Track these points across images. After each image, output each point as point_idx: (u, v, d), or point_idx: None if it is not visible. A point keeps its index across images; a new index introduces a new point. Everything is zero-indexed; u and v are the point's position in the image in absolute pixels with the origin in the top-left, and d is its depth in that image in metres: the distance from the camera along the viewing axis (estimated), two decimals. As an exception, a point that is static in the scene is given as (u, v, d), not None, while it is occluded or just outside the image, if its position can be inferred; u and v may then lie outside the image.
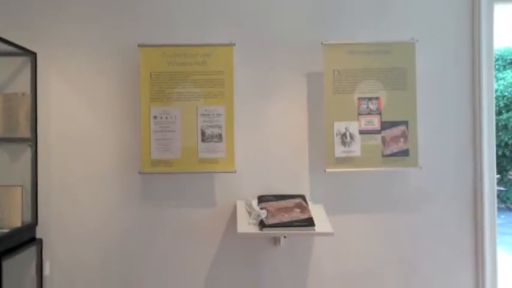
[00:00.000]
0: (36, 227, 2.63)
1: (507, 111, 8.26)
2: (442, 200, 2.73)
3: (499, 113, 8.09)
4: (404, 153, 2.58)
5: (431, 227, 2.73)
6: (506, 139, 8.19)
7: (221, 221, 2.72)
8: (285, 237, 2.55)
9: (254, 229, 2.42)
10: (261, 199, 2.64)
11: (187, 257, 2.73)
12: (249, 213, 2.54)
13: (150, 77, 2.58)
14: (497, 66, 8.47)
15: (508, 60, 9.06)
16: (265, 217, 2.44)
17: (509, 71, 8.88)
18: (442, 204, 2.73)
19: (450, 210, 2.73)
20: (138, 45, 2.58)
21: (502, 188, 8.06)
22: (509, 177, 8.45)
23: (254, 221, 2.46)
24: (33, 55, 2.61)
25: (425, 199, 2.72)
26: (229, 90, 2.59)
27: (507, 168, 8.41)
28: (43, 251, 2.64)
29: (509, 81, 8.45)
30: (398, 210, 2.72)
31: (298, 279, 2.72)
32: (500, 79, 8.48)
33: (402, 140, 2.58)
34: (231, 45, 2.59)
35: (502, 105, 8.11)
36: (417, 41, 2.58)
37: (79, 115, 2.69)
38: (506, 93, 8.34)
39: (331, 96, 2.57)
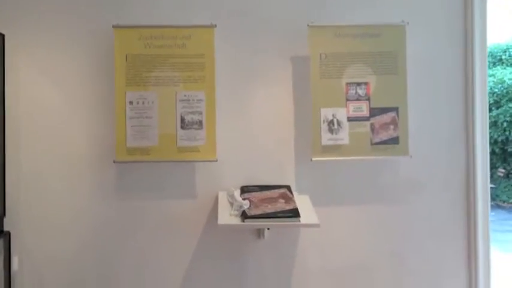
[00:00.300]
0: (3, 219, 2.46)
1: (497, 108, 8.22)
2: (434, 191, 2.61)
3: (488, 110, 8.03)
4: (394, 141, 2.46)
5: (422, 218, 2.61)
6: (495, 136, 8.15)
7: (202, 213, 2.58)
8: (268, 229, 2.41)
9: (236, 221, 2.28)
10: (244, 190, 2.50)
11: (166, 251, 2.58)
12: (231, 204, 2.40)
13: (126, 60, 2.43)
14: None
15: (498, 57, 9.04)
16: (248, 208, 2.31)
17: (499, 67, 8.85)
18: (434, 195, 2.61)
19: (442, 202, 2.62)
20: (113, 27, 2.43)
21: (491, 185, 8.00)
22: (499, 174, 8.42)
23: (236, 212, 2.32)
24: (0, 36, 2.44)
25: (415, 189, 2.60)
26: (210, 75, 2.45)
27: (497, 165, 8.38)
28: (11, 244, 2.46)
29: (499, 77, 8.42)
30: (388, 201, 2.60)
31: (283, 273, 2.58)
32: (490, 76, 8.43)
33: (392, 127, 2.46)
34: (212, 26, 2.45)
35: (491, 102, 8.06)
36: (408, 23, 2.46)
37: (50, 100, 2.53)
38: (496, 90, 8.30)
39: (318, 81, 2.44)
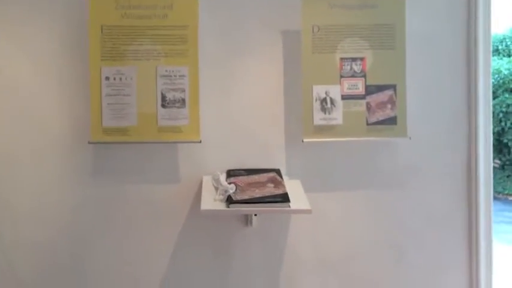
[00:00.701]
0: (-32, 204, 2.27)
1: (494, 98, 8.07)
2: (433, 176, 2.44)
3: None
4: (392, 121, 2.28)
5: (421, 206, 2.44)
6: (492, 127, 8.00)
7: (185, 199, 2.39)
8: (255, 215, 2.23)
9: (220, 206, 2.10)
10: (231, 174, 2.32)
11: (147, 239, 2.40)
12: (216, 189, 2.22)
13: (101, 32, 2.23)
14: (484, 52, 8.24)
15: (494, 47, 8.89)
16: (234, 192, 2.13)
17: (495, 58, 8.70)
18: (433, 181, 2.44)
19: (442, 187, 2.44)
20: (87, -6, 2.22)
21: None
22: (494, 165, 8.31)
23: (221, 197, 2.14)
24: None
25: (414, 174, 2.43)
26: (193, 48, 2.25)
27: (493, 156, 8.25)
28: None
29: (495, 68, 8.27)
30: (385, 187, 2.42)
31: (272, 263, 2.41)
32: (487, 66, 8.25)
33: (389, 106, 2.28)
34: (196, -5, 2.25)
35: (488, 92, 7.93)
36: (407, -7, 2.27)
37: (17, 76, 2.32)
38: (493, 80, 8.15)
39: (310, 56, 2.26)
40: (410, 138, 2.28)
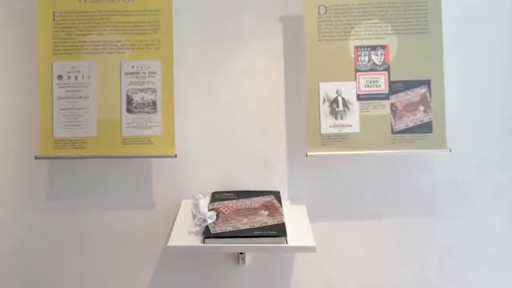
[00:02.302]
0: None
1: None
2: (481, 200, 1.87)
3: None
4: (426, 128, 1.72)
5: (464, 238, 1.88)
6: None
7: (161, 228, 1.89)
8: (241, 253, 1.70)
9: (194, 241, 1.58)
10: (216, 197, 1.82)
11: (112, 281, 1.90)
12: (194, 216, 1.71)
13: (54, 20, 1.79)
14: None
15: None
16: (214, 222, 1.61)
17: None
18: (481, 206, 1.87)
19: (492, 214, 1.87)
20: (36, -27, 1.79)
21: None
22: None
23: (197, 229, 1.63)
24: None
25: (455, 197, 1.86)
26: (167, 38, 1.78)
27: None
28: None
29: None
30: (416, 213, 1.86)
31: (269, 314, 1.87)
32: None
33: (422, 108, 1.73)
34: (170, -29, 1.78)
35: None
36: (443, -39, 1.74)
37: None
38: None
39: (316, 44, 1.74)
40: (450, 150, 1.71)
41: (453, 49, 1.78)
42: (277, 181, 1.88)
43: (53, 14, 1.78)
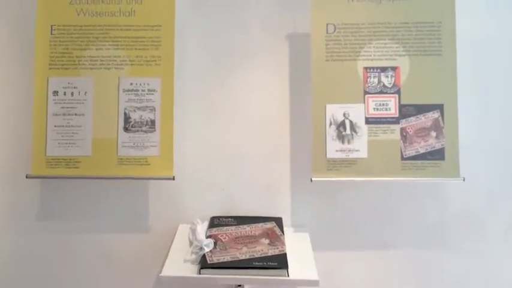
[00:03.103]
0: None
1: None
2: (496, 233, 1.76)
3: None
4: (438, 154, 1.63)
5: (479, 274, 1.76)
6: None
7: (156, 255, 1.79)
8: (239, 285, 1.59)
9: (190, 271, 1.48)
10: (214, 222, 1.73)
11: (104, 307, 1.81)
12: (191, 243, 1.62)
13: (51, 33, 1.72)
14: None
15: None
16: (211, 251, 1.52)
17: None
18: (496, 240, 1.76)
19: (508, 250, 1.77)
20: (35, -15, 1.73)
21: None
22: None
23: (193, 257, 1.53)
24: None
25: (468, 229, 1.76)
26: (168, 55, 1.71)
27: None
28: None
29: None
30: (428, 245, 1.76)
31: None
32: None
33: (434, 134, 1.64)
34: (173, -14, 1.72)
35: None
36: (458, -19, 1.66)
37: None
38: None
39: (323, 64, 1.66)
40: (464, 179, 1.61)
41: (467, 72, 1.70)
42: (279, 206, 1.79)
43: (51, 27, 1.72)
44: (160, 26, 1.71)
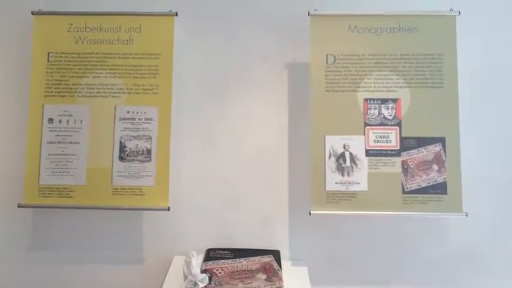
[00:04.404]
0: None
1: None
2: (500, 269, 1.71)
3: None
4: (440, 189, 1.59)
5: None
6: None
7: (150, 287, 1.74)
8: (235, 324, 1.54)
9: (184, 307, 1.43)
10: (210, 255, 1.68)
11: None
12: (185, 277, 1.56)
13: (48, 60, 1.70)
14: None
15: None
16: (206, 286, 1.47)
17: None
18: (499, 276, 1.70)
19: (513, 286, 1.71)
20: (32, 13, 1.71)
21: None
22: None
23: (187, 293, 1.48)
24: None
25: (471, 265, 1.70)
26: (166, 84, 1.68)
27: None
28: None
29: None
30: (427, 282, 1.70)
31: None
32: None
33: (436, 167, 1.60)
34: (172, 15, 1.70)
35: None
36: (459, 13, 1.65)
37: None
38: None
39: (322, 95, 1.64)
40: (466, 214, 1.57)
41: (469, 105, 1.68)
42: (277, 239, 1.74)
43: (48, 54, 1.70)
44: (159, 54, 1.70)
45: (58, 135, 1.68)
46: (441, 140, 1.61)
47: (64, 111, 1.69)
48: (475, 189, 1.66)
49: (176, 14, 1.70)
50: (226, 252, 1.70)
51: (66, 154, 1.67)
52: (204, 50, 1.79)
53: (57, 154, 1.67)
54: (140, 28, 1.71)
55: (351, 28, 1.66)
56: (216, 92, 1.78)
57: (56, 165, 1.67)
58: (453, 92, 1.62)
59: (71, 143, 1.68)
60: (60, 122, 1.69)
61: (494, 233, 1.71)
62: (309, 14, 1.65)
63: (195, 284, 1.47)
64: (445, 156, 1.60)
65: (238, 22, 1.78)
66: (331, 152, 1.62)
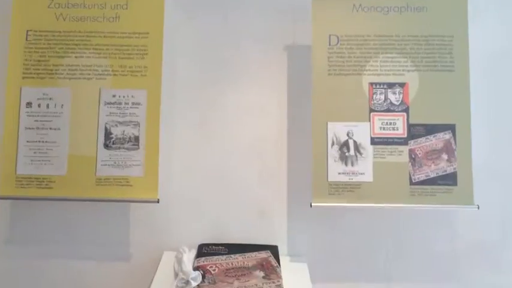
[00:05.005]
0: None
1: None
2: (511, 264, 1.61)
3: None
4: (450, 179, 1.49)
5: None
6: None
7: (138, 285, 1.61)
8: (230, 325, 1.42)
9: (174, 308, 1.31)
10: (203, 251, 1.57)
11: None
12: (176, 275, 1.45)
13: (26, 39, 1.56)
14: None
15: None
16: (199, 285, 1.35)
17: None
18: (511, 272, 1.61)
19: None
20: (10, -13, 1.57)
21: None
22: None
23: (179, 291, 1.36)
24: None
25: (482, 261, 1.61)
26: (155, 65, 1.55)
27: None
28: None
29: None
30: (435, 279, 1.61)
31: None
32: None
33: (445, 157, 1.50)
34: (162, -9, 1.58)
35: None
36: (470, -8, 1.54)
37: None
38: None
39: (325, 79, 1.52)
40: (478, 207, 1.47)
41: (480, 89, 1.57)
42: (275, 233, 1.63)
43: (26, 32, 1.56)
44: (148, 33, 1.57)
45: (37, 121, 1.54)
46: (451, 128, 1.50)
47: (44, 94, 1.55)
48: (486, 179, 1.55)
49: (167, -10, 1.57)
50: (220, 247, 1.58)
51: (46, 141, 1.53)
52: (197, 29, 1.66)
53: (36, 141, 1.53)
54: (127, 4, 1.58)
55: (356, 7, 1.54)
56: (209, 76, 1.66)
57: (35, 153, 1.53)
58: (464, 76, 1.51)
59: (51, 129, 1.54)
60: (39, 106, 1.55)
61: (506, 226, 1.61)
62: (310, -9, 1.53)
63: (187, 282, 1.36)
64: (455, 144, 1.49)
65: (232, 3, 1.66)
66: (334, 140, 1.50)
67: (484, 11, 1.63)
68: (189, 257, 1.50)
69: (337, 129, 1.51)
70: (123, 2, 1.57)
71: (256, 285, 1.35)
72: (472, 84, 1.50)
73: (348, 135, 1.51)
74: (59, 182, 1.52)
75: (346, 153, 1.50)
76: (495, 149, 1.61)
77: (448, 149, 1.49)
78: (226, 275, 1.40)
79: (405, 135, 1.51)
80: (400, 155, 1.50)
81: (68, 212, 1.62)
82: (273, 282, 1.37)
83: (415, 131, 1.50)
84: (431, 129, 1.50)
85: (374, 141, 1.50)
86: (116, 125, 1.54)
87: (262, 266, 1.46)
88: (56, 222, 1.62)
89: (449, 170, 1.49)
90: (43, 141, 1.53)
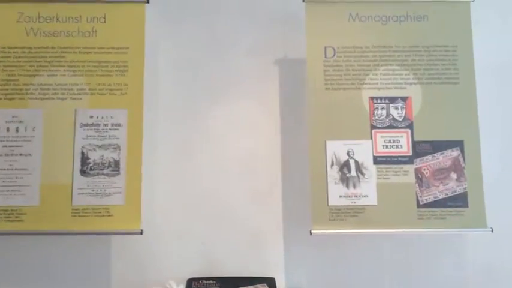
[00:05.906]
0: None
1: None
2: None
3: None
4: (460, 201, 1.37)
5: None
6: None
7: (121, 326, 1.46)
8: None
9: None
10: (193, 286, 1.41)
11: None
12: (164, 314, 1.29)
13: (-6, 57, 1.42)
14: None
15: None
16: (189, 328, 1.20)
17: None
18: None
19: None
20: (-24, 0, 1.44)
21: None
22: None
23: (166, 335, 1.21)
24: None
25: (498, 286, 1.49)
26: (136, 82, 1.43)
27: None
28: None
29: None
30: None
31: None
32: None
33: (455, 175, 1.38)
34: (142, 2, 1.45)
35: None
36: (473, 0, 1.45)
37: None
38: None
39: (321, 94, 1.41)
40: (492, 230, 1.35)
41: (488, 102, 1.47)
42: (271, 264, 1.49)
43: (-6, 49, 1.42)
44: (127, 48, 1.44)
45: (5, 146, 1.40)
46: (459, 144, 1.39)
47: (13, 117, 1.41)
48: (496, 198, 1.43)
49: (147, 1, 1.44)
50: (211, 282, 1.44)
51: (16, 169, 1.39)
52: (181, 43, 1.54)
53: (5, 169, 1.39)
54: (105, 18, 1.45)
55: (352, 16, 1.44)
56: (195, 93, 1.53)
57: (3, 182, 1.38)
58: (470, 89, 1.41)
59: (21, 155, 1.39)
60: (7, 130, 1.40)
61: (520, 250, 1.50)
62: (303, 1, 1.42)
63: (175, 324, 1.21)
64: (464, 162, 1.38)
65: (221, 10, 1.55)
66: (334, 160, 1.38)
67: (489, 19, 1.53)
68: (177, 293, 1.35)
69: (337, 148, 1.38)
70: (101, 14, 1.45)
71: (253, 325, 1.21)
72: (478, 96, 1.40)
73: (348, 154, 1.38)
74: (31, 213, 1.37)
75: (347, 174, 1.37)
76: (507, 164, 1.50)
77: (456, 167, 1.38)
78: (219, 315, 1.26)
79: (410, 154, 1.39)
80: (406, 175, 1.38)
81: (41, 247, 1.46)
82: (272, 322, 1.23)
83: (421, 149, 1.39)
84: (438, 147, 1.39)
85: (377, 161, 1.38)
86: (94, 149, 1.40)
87: (259, 301, 1.32)
88: (28, 259, 1.47)
89: (459, 190, 1.37)
90: (12, 169, 1.39)
